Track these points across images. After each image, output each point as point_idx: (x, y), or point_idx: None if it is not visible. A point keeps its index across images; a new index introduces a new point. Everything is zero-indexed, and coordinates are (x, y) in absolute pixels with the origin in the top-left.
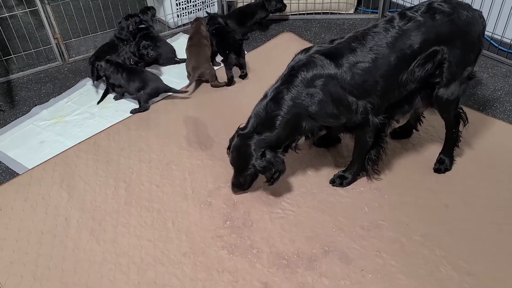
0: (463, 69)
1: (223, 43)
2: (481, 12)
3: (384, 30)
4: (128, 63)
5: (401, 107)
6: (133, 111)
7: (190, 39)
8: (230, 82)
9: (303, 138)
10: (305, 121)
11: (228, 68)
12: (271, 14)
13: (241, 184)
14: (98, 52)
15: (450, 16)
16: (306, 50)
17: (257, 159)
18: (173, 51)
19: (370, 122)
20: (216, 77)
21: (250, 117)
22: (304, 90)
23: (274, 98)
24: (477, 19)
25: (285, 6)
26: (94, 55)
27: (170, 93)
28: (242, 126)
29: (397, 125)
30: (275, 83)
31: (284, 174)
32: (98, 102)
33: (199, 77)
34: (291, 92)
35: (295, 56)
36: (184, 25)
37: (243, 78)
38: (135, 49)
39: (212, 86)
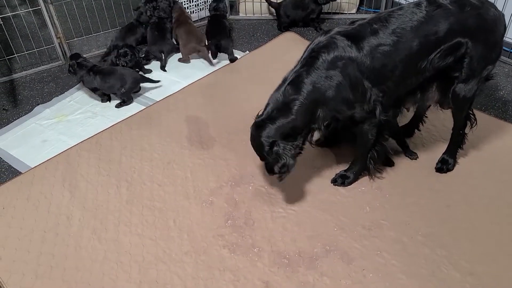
0: (483, 67)
1: (213, 29)
2: (503, 14)
3: (410, 13)
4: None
5: (414, 94)
6: (118, 106)
7: (177, 21)
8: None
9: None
10: (320, 108)
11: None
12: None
13: (271, 170)
14: (117, 38)
15: (479, 10)
16: (327, 32)
17: (267, 151)
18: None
19: (378, 115)
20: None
21: (268, 103)
22: (324, 73)
23: (293, 81)
24: (501, 19)
25: None
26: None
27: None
28: (260, 113)
29: (407, 114)
30: (295, 66)
31: (293, 169)
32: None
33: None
34: (311, 75)
35: (315, 38)
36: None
37: (232, 62)
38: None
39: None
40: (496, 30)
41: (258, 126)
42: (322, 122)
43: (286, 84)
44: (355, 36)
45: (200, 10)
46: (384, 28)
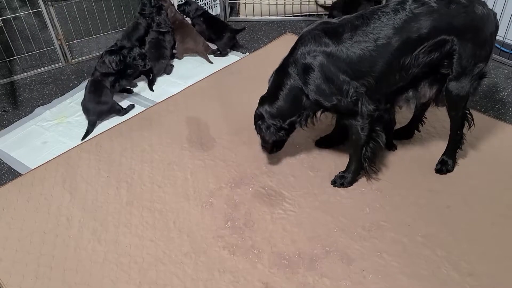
0: (474, 65)
1: (217, 26)
2: (495, 13)
3: (393, 11)
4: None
5: (405, 92)
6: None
7: (173, 24)
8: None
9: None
10: (303, 97)
11: (225, 48)
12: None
13: (264, 144)
14: (124, 36)
15: (466, 8)
16: (312, 23)
17: (255, 122)
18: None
19: (360, 108)
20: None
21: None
22: (301, 65)
23: (279, 70)
24: (491, 17)
25: None
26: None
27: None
28: None
29: (407, 115)
30: (286, 55)
31: (266, 147)
32: (83, 138)
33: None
34: (291, 66)
35: (303, 30)
36: None
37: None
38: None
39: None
40: (484, 28)
41: (260, 101)
42: (309, 110)
43: (275, 70)
44: (334, 30)
45: (209, 9)
46: (365, 25)
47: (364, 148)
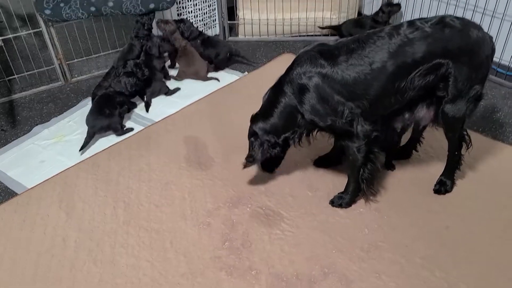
0: (470, 87)
1: (212, 44)
2: (491, 36)
3: (389, 35)
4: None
5: (401, 114)
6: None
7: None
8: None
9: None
10: (298, 115)
11: (222, 66)
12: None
13: (251, 156)
14: (120, 58)
15: (460, 32)
16: (309, 45)
17: (248, 137)
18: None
19: (356, 129)
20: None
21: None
22: (297, 85)
23: (275, 87)
24: (487, 41)
25: (399, 6)
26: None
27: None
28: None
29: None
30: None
31: (256, 163)
32: (81, 149)
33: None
34: (287, 84)
35: (300, 51)
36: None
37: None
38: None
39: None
40: (480, 51)
41: (253, 118)
42: (304, 129)
43: (270, 88)
44: (330, 52)
45: (208, 29)
46: (360, 49)
47: (361, 169)
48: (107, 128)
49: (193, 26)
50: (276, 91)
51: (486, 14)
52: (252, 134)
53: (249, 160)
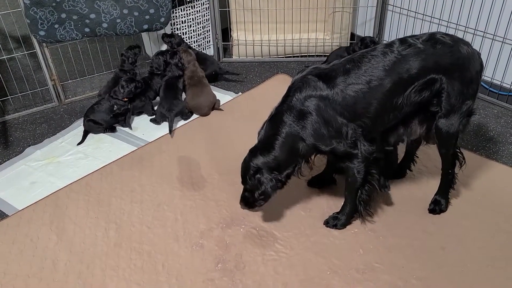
0: (462, 102)
1: (204, 65)
2: (479, 52)
3: (382, 54)
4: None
5: (396, 129)
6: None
7: (189, 77)
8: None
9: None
10: (300, 143)
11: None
12: None
13: (246, 198)
14: (106, 91)
15: (451, 48)
16: (302, 70)
17: (250, 175)
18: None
19: (360, 149)
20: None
21: (259, 135)
22: (298, 111)
23: (272, 119)
24: (476, 56)
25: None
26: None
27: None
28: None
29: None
30: (278, 103)
31: (269, 201)
32: (79, 144)
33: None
34: (287, 113)
35: (293, 78)
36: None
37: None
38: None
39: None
40: (470, 67)
41: (251, 152)
42: (306, 157)
43: (267, 120)
44: (326, 75)
45: (203, 50)
46: (356, 68)
47: (359, 191)
48: (97, 126)
49: (183, 41)
50: (274, 122)
51: (477, 34)
52: (255, 171)
53: (261, 198)
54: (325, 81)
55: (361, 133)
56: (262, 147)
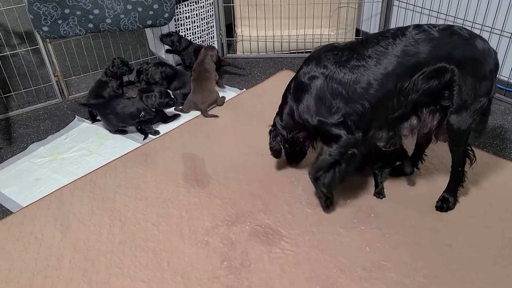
0: (474, 99)
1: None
2: (496, 51)
3: (393, 36)
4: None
5: (408, 119)
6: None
7: (193, 70)
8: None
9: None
10: (295, 113)
11: None
12: None
13: (269, 145)
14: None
15: (467, 40)
16: (322, 45)
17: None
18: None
19: (341, 135)
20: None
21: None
22: (299, 83)
23: (288, 86)
24: (492, 53)
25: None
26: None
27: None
28: None
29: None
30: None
31: (275, 152)
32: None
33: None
34: (292, 82)
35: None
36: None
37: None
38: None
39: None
40: (484, 62)
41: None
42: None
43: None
44: (337, 52)
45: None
46: (363, 48)
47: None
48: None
49: (182, 37)
50: (286, 90)
51: (484, 30)
52: (273, 124)
53: (271, 149)
54: (332, 59)
55: (353, 120)
56: (279, 108)
